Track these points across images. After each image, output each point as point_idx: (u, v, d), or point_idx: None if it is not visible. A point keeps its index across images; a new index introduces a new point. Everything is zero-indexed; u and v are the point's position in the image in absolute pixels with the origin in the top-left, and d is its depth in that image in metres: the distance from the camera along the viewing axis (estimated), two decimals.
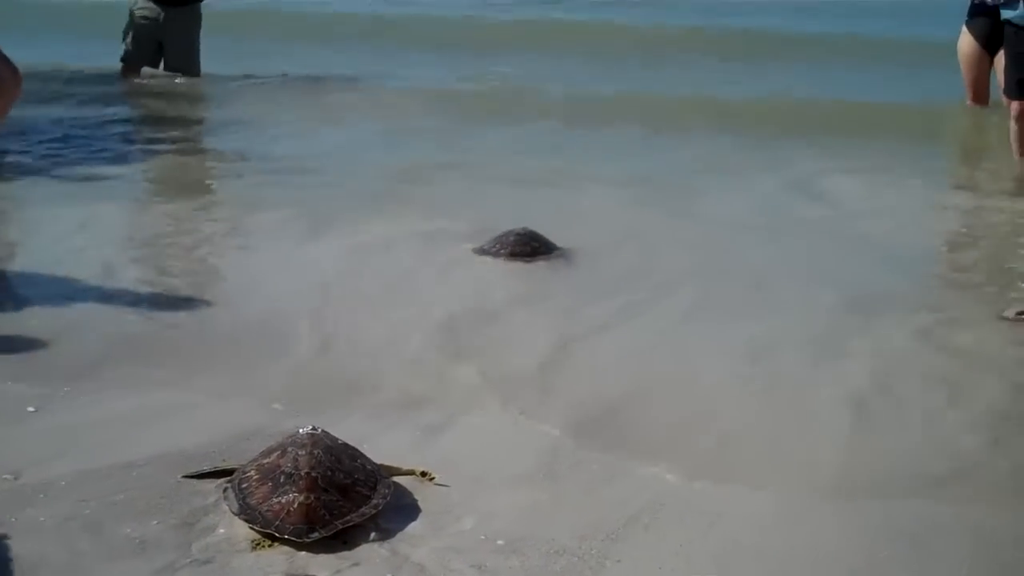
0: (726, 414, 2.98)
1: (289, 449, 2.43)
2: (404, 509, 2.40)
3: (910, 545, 2.30)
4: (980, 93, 7.43)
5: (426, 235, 4.70)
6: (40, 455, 2.59)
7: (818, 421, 2.93)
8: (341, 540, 2.26)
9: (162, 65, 8.63)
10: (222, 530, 2.28)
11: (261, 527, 2.27)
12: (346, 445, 2.53)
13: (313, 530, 2.26)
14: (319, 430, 2.52)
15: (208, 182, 6.20)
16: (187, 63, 8.63)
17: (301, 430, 2.51)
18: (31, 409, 2.86)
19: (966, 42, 7.31)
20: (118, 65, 8.66)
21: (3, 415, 2.83)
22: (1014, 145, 6.11)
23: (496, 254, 4.39)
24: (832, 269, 4.36)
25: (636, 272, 4.24)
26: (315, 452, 2.40)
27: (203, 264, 4.39)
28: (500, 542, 2.26)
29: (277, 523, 2.26)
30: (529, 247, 4.40)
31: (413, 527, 2.33)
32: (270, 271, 4.27)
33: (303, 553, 2.21)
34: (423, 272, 4.25)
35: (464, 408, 2.97)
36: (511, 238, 4.42)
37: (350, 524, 2.30)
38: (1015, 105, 6.02)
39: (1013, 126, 6.08)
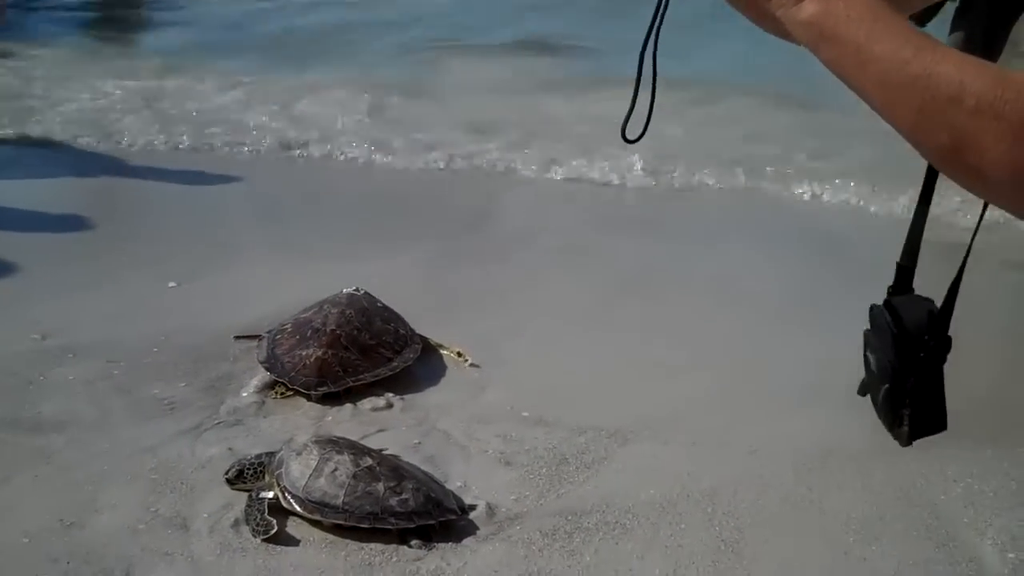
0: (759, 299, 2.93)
1: (325, 306, 2.46)
2: (435, 381, 2.41)
3: None
4: None
5: None
6: (67, 318, 2.59)
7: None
8: (352, 401, 2.27)
9: None
10: (247, 394, 2.30)
11: (278, 376, 2.30)
12: (385, 308, 2.53)
13: (323, 383, 2.27)
14: (361, 291, 2.53)
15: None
16: None
17: (344, 289, 2.53)
18: (61, 275, 2.85)
19: None
20: None
21: (32, 279, 2.82)
22: None
23: None
24: None
25: None
26: (347, 312, 2.42)
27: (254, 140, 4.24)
28: (525, 414, 2.27)
29: (292, 374, 2.29)
30: None
31: (442, 397, 2.35)
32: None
33: (329, 418, 2.23)
34: None
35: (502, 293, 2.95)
36: None
37: (361, 382, 2.31)
38: None
39: None
